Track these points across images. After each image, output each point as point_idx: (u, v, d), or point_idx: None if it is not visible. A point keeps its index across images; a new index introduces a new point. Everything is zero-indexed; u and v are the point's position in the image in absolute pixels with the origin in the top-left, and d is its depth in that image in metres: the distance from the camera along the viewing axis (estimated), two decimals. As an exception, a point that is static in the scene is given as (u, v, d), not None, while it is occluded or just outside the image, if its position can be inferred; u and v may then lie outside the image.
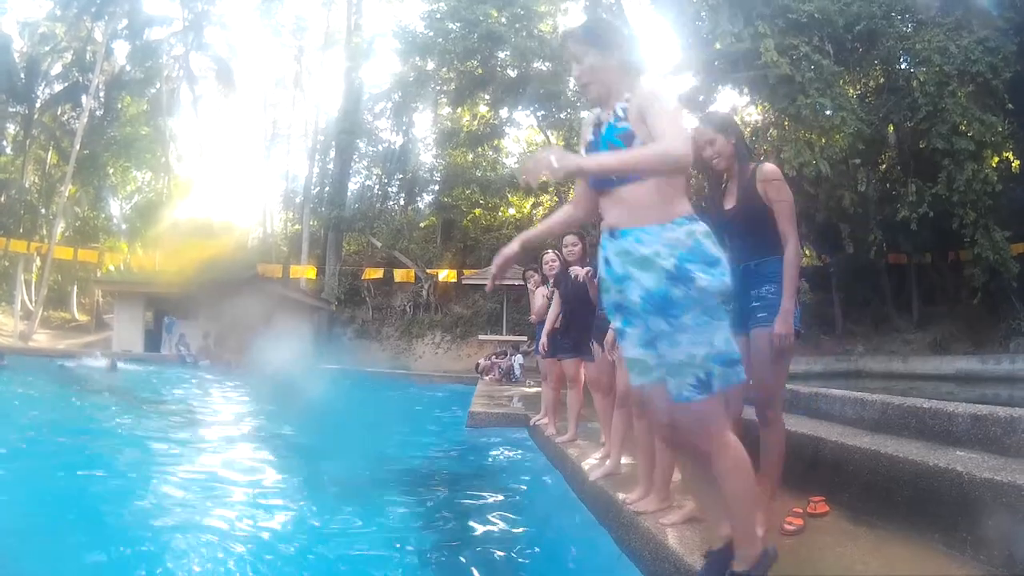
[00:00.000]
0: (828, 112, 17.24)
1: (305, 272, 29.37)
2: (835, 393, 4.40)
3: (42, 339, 26.11)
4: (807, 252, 19.91)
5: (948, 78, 17.40)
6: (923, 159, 19.06)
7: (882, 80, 20.84)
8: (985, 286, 17.95)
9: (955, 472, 2.76)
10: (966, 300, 19.35)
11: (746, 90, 20.68)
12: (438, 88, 29.64)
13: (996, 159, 18.23)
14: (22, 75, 30.18)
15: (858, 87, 21.33)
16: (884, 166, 22.25)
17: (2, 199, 30.38)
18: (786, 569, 2.60)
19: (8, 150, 33.28)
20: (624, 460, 4.55)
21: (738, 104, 24.27)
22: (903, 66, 19.84)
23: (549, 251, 6.04)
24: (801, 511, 3.17)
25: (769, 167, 3.14)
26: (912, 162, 19.75)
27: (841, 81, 18.49)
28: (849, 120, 17.12)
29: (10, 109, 31.18)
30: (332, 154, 32.51)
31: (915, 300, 21.60)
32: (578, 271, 4.78)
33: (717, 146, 3.13)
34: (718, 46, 18.97)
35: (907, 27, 20.28)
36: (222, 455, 6.71)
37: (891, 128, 20.70)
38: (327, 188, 32.21)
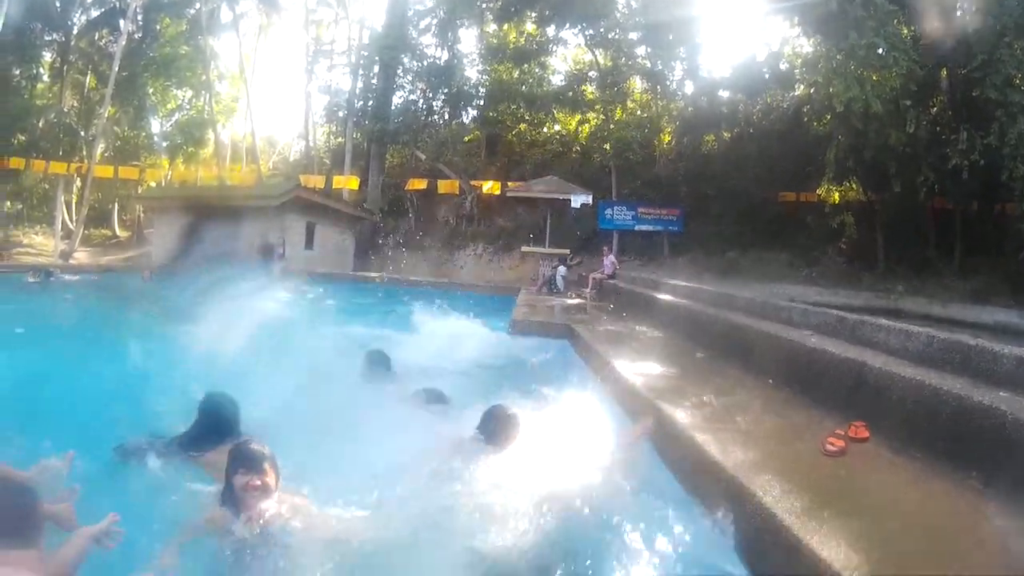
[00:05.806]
0: (880, 51, 16.69)
1: (348, 183, 29.53)
2: (880, 322, 4.34)
3: (82, 257, 26.65)
4: (853, 187, 19.49)
5: (1005, 29, 16.66)
6: (975, 108, 18.32)
7: (937, 24, 19.98)
8: (1030, 242, 17.42)
9: (999, 411, 2.74)
10: (1009, 254, 18.79)
11: (797, 20, 20.02)
12: (484, 5, 29.14)
13: (1049, 117, 17.42)
14: (57, 3, 30.03)
15: (912, 28, 20.47)
16: (936, 109, 21.50)
17: (41, 124, 30.52)
18: (827, 489, 2.67)
19: (45, 77, 33.31)
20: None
21: (789, 35, 23.52)
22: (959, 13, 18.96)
23: None
24: (843, 433, 3.21)
25: None
26: (964, 109, 19.05)
27: (895, 20, 17.77)
28: (901, 60, 16.57)
29: (46, 37, 31.08)
30: (376, 69, 31.88)
31: (958, 248, 21.17)
32: None
33: None
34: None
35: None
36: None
37: (944, 73, 19.91)
38: (371, 102, 31.68)
